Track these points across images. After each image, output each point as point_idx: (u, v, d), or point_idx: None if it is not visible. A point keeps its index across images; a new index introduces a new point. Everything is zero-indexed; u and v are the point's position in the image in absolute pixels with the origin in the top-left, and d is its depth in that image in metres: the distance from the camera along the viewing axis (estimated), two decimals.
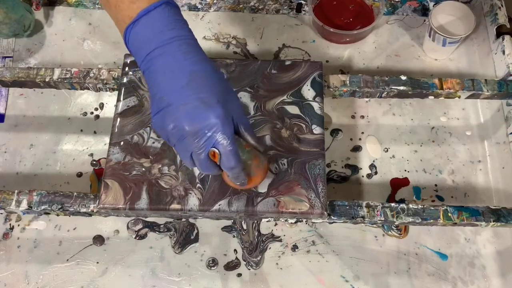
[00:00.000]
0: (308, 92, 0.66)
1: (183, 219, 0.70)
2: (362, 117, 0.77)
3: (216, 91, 0.49)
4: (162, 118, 0.49)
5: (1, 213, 0.70)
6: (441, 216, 0.61)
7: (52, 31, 0.84)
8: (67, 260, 0.67)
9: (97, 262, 0.67)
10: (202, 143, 0.48)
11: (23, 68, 0.69)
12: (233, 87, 0.66)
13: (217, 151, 0.49)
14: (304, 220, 0.68)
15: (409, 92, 0.69)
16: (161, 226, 0.69)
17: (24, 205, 0.61)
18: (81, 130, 0.76)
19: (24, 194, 0.62)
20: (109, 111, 0.77)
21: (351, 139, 0.76)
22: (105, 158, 0.65)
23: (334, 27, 0.79)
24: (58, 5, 0.86)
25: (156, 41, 0.49)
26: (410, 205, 0.62)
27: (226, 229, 0.69)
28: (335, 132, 0.76)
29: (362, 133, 0.76)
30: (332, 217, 0.61)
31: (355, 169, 0.74)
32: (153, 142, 0.63)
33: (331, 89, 0.69)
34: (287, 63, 0.69)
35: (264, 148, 0.56)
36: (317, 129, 0.64)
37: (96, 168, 0.73)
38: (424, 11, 0.87)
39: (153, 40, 0.49)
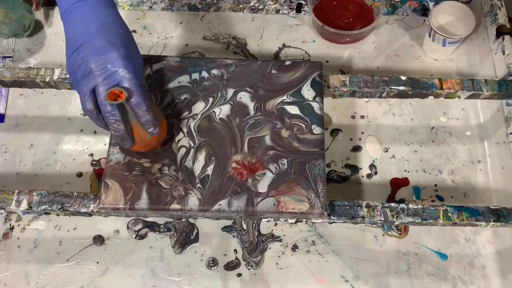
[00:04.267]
0: (308, 92, 0.66)
1: (183, 219, 0.70)
2: (362, 117, 0.77)
3: (123, 38, 0.55)
4: (74, 58, 0.54)
5: (1, 213, 0.70)
6: (441, 216, 0.61)
7: (52, 31, 0.84)
8: (67, 260, 0.67)
9: (97, 262, 0.67)
10: (105, 77, 0.53)
11: (23, 68, 0.69)
12: (232, 87, 0.66)
13: (119, 89, 0.52)
14: (304, 220, 0.68)
15: (409, 92, 0.69)
16: (161, 226, 0.69)
17: (24, 205, 0.61)
18: (81, 130, 0.76)
19: (24, 194, 0.62)
20: None
21: (351, 139, 0.76)
22: (105, 158, 0.65)
23: (334, 27, 0.79)
24: None
25: None
26: (410, 205, 0.62)
27: (226, 229, 0.69)
28: (335, 132, 0.76)
29: (362, 133, 0.76)
30: (332, 217, 0.61)
31: (355, 169, 0.74)
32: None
33: (331, 89, 0.69)
34: (287, 63, 0.69)
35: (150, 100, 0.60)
36: (317, 129, 0.64)
37: (96, 168, 0.73)
38: (424, 11, 0.87)
39: None
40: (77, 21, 0.55)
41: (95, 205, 0.61)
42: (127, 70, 0.53)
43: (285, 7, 0.87)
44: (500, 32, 0.77)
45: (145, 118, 0.55)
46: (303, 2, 0.87)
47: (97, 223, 0.69)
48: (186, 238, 0.69)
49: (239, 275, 0.67)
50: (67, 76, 0.68)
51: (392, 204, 0.62)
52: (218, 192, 0.60)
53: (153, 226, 0.69)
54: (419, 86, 0.69)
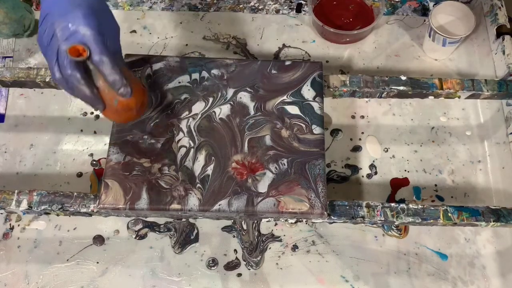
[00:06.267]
0: (308, 92, 0.66)
1: (183, 219, 0.70)
2: (362, 117, 0.77)
3: (91, 2, 0.53)
4: (42, 28, 0.52)
5: (1, 213, 0.70)
6: (441, 216, 0.61)
7: None
8: (67, 260, 0.67)
9: (97, 262, 0.67)
10: (66, 37, 0.50)
11: (23, 68, 0.69)
12: (234, 86, 0.66)
13: (81, 45, 0.50)
14: (304, 220, 0.68)
15: (409, 92, 0.69)
16: (161, 226, 0.69)
17: (24, 205, 0.61)
18: (81, 130, 0.76)
19: (24, 194, 0.62)
20: None
21: (351, 139, 0.76)
22: (105, 158, 0.65)
23: (334, 27, 0.79)
24: None
25: None
26: (410, 205, 0.62)
27: (226, 229, 0.69)
28: (335, 132, 0.76)
29: (362, 133, 0.76)
30: (332, 217, 0.61)
31: (355, 169, 0.74)
32: (153, 142, 0.63)
33: (331, 89, 0.69)
34: (287, 63, 0.69)
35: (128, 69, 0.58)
36: (317, 129, 0.64)
37: (96, 168, 0.73)
38: (424, 11, 0.87)
39: None
40: None
41: (95, 205, 0.61)
42: (89, 27, 0.51)
43: (285, 7, 0.87)
44: (500, 32, 0.77)
45: (112, 77, 0.52)
46: (303, 2, 0.87)
47: (97, 223, 0.69)
48: (186, 238, 0.69)
49: (239, 275, 0.67)
50: None
51: (392, 204, 0.62)
52: (218, 192, 0.60)
53: (153, 226, 0.69)
54: (419, 86, 0.69)
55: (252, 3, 0.87)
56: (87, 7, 0.52)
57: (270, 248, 0.69)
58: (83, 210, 0.61)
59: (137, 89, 0.55)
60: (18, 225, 0.70)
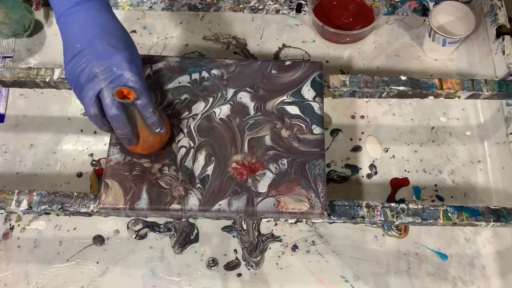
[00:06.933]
0: (308, 92, 0.66)
1: (183, 219, 0.70)
2: (362, 117, 0.77)
3: (124, 41, 0.55)
4: (75, 63, 0.53)
5: (1, 213, 0.70)
6: (441, 216, 0.61)
7: (52, 31, 0.84)
8: (67, 260, 0.67)
9: (97, 262, 0.67)
10: (111, 80, 0.53)
11: (23, 68, 0.69)
12: (233, 86, 0.66)
13: (127, 89, 0.52)
14: (304, 220, 0.68)
15: (409, 92, 0.69)
16: (161, 226, 0.69)
17: (24, 205, 0.61)
18: (81, 130, 0.76)
19: (24, 194, 0.62)
20: None
21: (351, 139, 0.76)
22: (105, 158, 0.65)
23: (334, 27, 0.79)
24: None
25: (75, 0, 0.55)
26: (410, 205, 0.62)
27: (226, 229, 0.69)
28: (335, 132, 0.76)
29: (362, 133, 0.76)
30: (332, 217, 0.61)
31: (355, 169, 0.74)
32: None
33: (331, 89, 0.69)
34: (287, 63, 0.69)
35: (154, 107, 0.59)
36: (317, 129, 0.64)
37: (96, 168, 0.73)
38: (424, 11, 0.87)
39: None
40: (75, 25, 0.55)
41: (95, 205, 0.61)
42: (132, 72, 0.54)
43: (285, 7, 0.87)
44: (500, 32, 0.77)
45: (152, 119, 0.56)
46: (303, 2, 0.87)
47: (97, 223, 0.69)
48: (186, 238, 0.69)
49: (239, 275, 0.67)
50: None
51: (392, 204, 0.62)
52: (218, 192, 0.60)
53: (153, 226, 0.69)
54: (419, 86, 0.69)
55: (252, 3, 0.87)
56: (126, 48, 0.55)
57: (270, 248, 0.69)
58: (83, 210, 0.61)
59: (166, 126, 0.59)
60: (18, 225, 0.70)
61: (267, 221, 0.69)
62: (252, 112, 0.65)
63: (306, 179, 0.61)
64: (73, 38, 0.55)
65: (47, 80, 0.68)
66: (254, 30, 0.85)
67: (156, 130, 0.57)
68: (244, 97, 0.66)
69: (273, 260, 0.68)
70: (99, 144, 0.75)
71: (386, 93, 0.69)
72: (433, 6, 0.79)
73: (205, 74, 0.67)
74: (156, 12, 0.86)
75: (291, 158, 0.62)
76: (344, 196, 0.71)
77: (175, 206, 0.59)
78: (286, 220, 0.68)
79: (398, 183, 0.73)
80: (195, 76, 0.67)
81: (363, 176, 0.73)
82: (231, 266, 0.67)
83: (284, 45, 0.83)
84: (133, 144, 0.58)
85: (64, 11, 0.55)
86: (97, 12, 0.56)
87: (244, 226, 0.70)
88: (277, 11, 0.87)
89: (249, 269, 0.67)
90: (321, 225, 0.70)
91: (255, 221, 0.70)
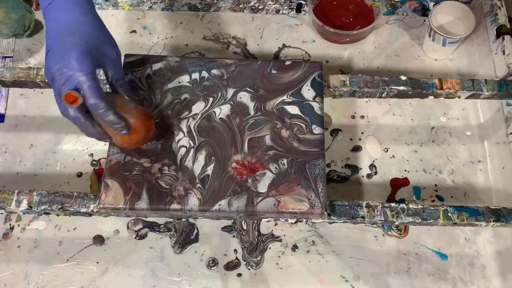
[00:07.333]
0: (308, 92, 0.66)
1: (183, 219, 0.70)
2: (362, 117, 0.77)
3: (89, 36, 0.54)
4: (46, 65, 0.54)
5: (1, 213, 0.70)
6: (441, 216, 0.61)
7: None
8: (67, 260, 0.67)
9: (97, 262, 0.67)
10: (63, 82, 0.52)
11: (23, 68, 0.69)
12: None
13: (75, 93, 0.51)
14: (304, 220, 0.68)
15: (409, 92, 0.69)
16: (161, 226, 0.69)
17: (24, 205, 0.61)
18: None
19: (24, 194, 0.62)
20: None
21: (351, 139, 0.76)
22: (105, 158, 0.65)
23: (334, 27, 0.79)
24: None
25: None
26: (410, 205, 0.62)
27: (226, 229, 0.69)
28: (335, 132, 0.76)
29: (362, 133, 0.76)
30: (332, 217, 0.61)
31: (355, 169, 0.74)
32: (153, 142, 0.63)
33: (331, 89, 0.69)
34: (287, 63, 0.69)
35: (132, 96, 0.60)
36: (317, 129, 0.64)
37: (96, 168, 0.73)
38: (424, 11, 0.87)
39: None
40: (49, 23, 0.55)
41: (95, 205, 0.61)
42: (82, 72, 0.51)
43: (285, 7, 0.87)
44: (500, 32, 0.77)
45: (107, 119, 0.54)
46: (303, 2, 0.87)
47: (97, 223, 0.69)
48: (186, 238, 0.69)
49: (239, 275, 0.67)
50: None
51: (392, 204, 0.62)
52: (218, 192, 0.60)
53: (153, 226, 0.69)
54: (419, 86, 0.69)
55: (252, 3, 0.87)
56: (81, 47, 0.52)
57: (270, 248, 0.69)
58: (83, 210, 0.61)
59: (138, 124, 0.57)
60: (18, 225, 0.70)
61: (267, 221, 0.69)
62: (252, 112, 0.65)
63: (306, 179, 0.61)
64: (47, 37, 0.55)
65: (47, 80, 0.68)
66: (254, 30, 0.85)
67: (117, 131, 0.55)
68: (244, 97, 0.66)
69: (273, 260, 0.68)
70: (99, 144, 0.75)
71: (386, 93, 0.69)
72: (433, 6, 0.79)
73: (205, 74, 0.67)
74: (156, 12, 0.86)
75: (291, 158, 0.62)
76: (344, 196, 0.71)
77: (175, 206, 0.59)
78: (286, 220, 0.68)
79: (398, 183, 0.73)
80: (195, 76, 0.67)
81: (363, 176, 0.73)
82: (231, 266, 0.67)
83: (284, 45, 0.83)
84: (107, 141, 0.58)
85: (44, 9, 0.55)
86: (69, 8, 0.54)
87: (244, 226, 0.70)
88: (277, 11, 0.87)
89: (249, 269, 0.67)
90: (321, 225, 0.70)
91: (255, 221, 0.70)
